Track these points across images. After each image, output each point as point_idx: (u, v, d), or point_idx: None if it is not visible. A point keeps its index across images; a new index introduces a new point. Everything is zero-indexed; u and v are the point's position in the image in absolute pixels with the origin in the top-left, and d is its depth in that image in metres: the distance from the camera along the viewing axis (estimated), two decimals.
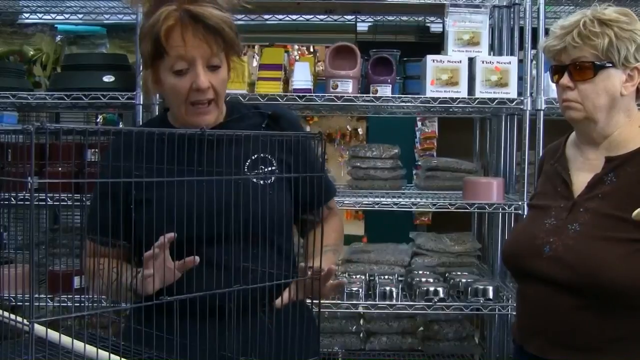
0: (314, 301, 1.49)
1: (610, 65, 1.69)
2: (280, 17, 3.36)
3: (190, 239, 1.40)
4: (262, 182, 1.62)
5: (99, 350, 1.27)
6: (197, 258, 1.43)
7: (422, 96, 2.76)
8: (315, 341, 1.71)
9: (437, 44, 3.13)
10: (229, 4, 1.63)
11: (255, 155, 1.65)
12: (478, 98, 2.74)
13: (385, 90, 2.83)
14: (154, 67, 1.60)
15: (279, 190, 1.66)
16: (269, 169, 1.65)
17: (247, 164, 1.64)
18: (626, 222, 1.59)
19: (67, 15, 3.46)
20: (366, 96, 2.80)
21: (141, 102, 2.76)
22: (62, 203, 2.19)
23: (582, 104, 1.72)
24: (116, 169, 1.39)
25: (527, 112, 2.75)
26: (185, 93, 1.58)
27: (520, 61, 2.84)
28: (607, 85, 1.70)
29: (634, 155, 1.71)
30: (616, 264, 1.61)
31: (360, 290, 2.80)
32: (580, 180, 1.77)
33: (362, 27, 4.05)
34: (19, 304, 2.27)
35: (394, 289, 2.79)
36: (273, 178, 1.63)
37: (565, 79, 1.72)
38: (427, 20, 3.80)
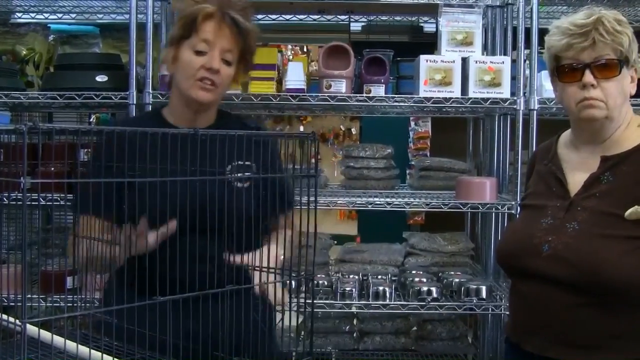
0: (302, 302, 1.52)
1: (625, 64, 1.70)
2: (274, 17, 3.35)
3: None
4: (238, 184, 1.81)
5: (92, 351, 1.27)
6: (174, 222, 1.56)
7: (416, 96, 2.76)
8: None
9: (430, 43, 3.12)
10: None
11: (239, 162, 1.73)
12: (471, 98, 2.74)
13: (378, 90, 2.83)
14: (177, 45, 1.89)
15: (251, 196, 1.83)
16: (247, 174, 1.82)
17: (230, 167, 1.75)
18: (625, 219, 1.61)
19: (60, 15, 3.45)
20: (359, 96, 2.79)
21: (134, 102, 2.76)
22: (54, 203, 2.18)
23: (606, 103, 1.70)
24: (109, 156, 1.45)
25: (520, 112, 2.75)
26: (197, 69, 1.85)
27: (514, 61, 2.84)
28: (624, 84, 1.71)
29: (630, 154, 1.72)
30: (616, 261, 1.61)
31: (354, 290, 2.80)
32: (576, 179, 1.77)
33: (355, 27, 4.04)
34: (11, 304, 2.26)
35: (387, 289, 2.79)
36: (248, 183, 1.82)
37: (589, 77, 1.69)
38: (421, 20, 3.80)
